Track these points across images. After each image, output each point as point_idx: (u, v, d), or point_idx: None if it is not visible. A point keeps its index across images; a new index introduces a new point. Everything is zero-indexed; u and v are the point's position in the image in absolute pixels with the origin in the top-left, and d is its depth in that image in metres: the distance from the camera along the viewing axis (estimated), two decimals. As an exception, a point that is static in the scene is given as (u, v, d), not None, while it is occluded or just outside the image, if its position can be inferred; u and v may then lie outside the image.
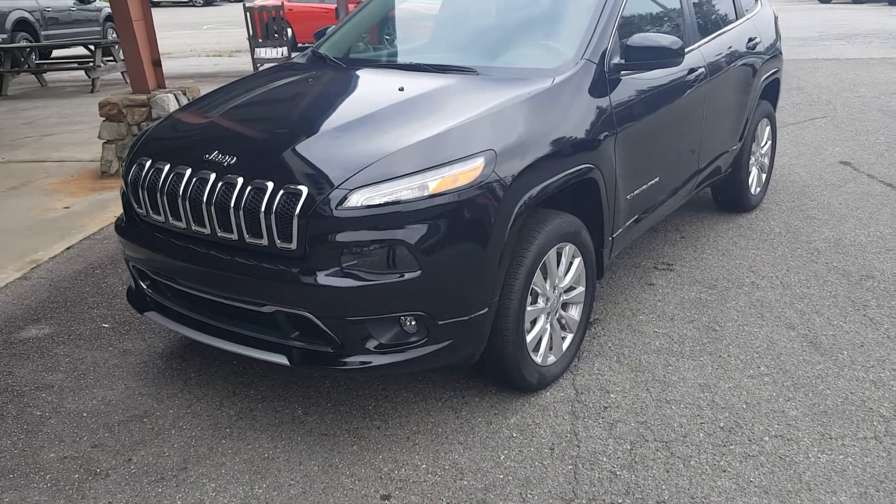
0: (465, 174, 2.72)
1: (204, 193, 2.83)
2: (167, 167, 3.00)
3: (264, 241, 2.73)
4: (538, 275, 3.10)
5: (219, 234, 2.84)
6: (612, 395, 3.27)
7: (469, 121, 2.94)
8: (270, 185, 2.71)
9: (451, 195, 2.68)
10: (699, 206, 5.52)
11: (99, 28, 18.15)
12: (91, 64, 12.84)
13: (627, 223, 3.76)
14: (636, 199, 3.76)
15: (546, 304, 3.23)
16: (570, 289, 3.40)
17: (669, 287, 4.27)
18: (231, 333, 2.98)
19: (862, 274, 4.36)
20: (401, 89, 3.32)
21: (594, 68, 3.40)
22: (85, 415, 3.23)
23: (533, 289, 3.10)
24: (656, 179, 3.92)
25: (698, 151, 4.37)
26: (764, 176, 5.55)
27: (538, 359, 3.24)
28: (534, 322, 3.20)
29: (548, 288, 3.21)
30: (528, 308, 3.09)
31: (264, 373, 3.47)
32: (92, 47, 13.23)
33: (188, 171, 2.91)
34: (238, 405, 3.25)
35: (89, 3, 18.56)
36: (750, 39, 4.84)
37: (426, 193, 2.66)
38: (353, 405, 3.23)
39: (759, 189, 5.46)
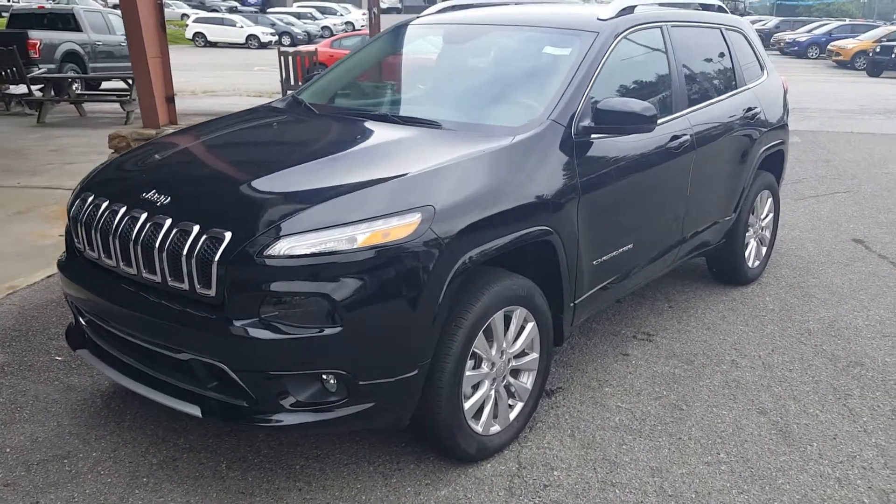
0: (397, 229, 2.61)
1: (133, 232, 2.76)
2: (105, 203, 2.95)
3: (185, 286, 2.64)
4: (481, 338, 2.95)
5: (144, 276, 2.76)
6: (555, 473, 3.08)
7: (413, 175, 2.83)
8: (196, 227, 2.63)
9: (380, 250, 2.57)
10: (693, 277, 5.32)
11: (147, 63, 18.64)
12: (127, 97, 13.12)
13: (593, 290, 3.59)
14: (604, 266, 3.60)
15: (491, 370, 3.07)
16: (522, 355, 3.24)
17: (644, 359, 4.07)
18: (152, 379, 2.87)
19: (851, 360, 4.11)
20: (357, 139, 3.25)
21: (560, 129, 3.29)
22: (8, 451, 3.13)
23: (475, 352, 2.95)
24: (629, 247, 3.75)
25: (682, 220, 4.20)
26: (764, 249, 5.34)
27: (479, 427, 3.07)
28: (476, 387, 3.05)
29: (493, 353, 3.05)
30: (468, 373, 2.94)
31: (200, 422, 3.34)
32: (130, 81, 13.54)
33: (122, 209, 2.85)
34: (163, 453, 3.13)
35: (140, 38, 19.16)
36: (748, 109, 4.68)
37: (353, 247, 2.55)
38: (280, 463, 3.09)
39: (757, 262, 5.24)
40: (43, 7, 19.22)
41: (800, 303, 4.91)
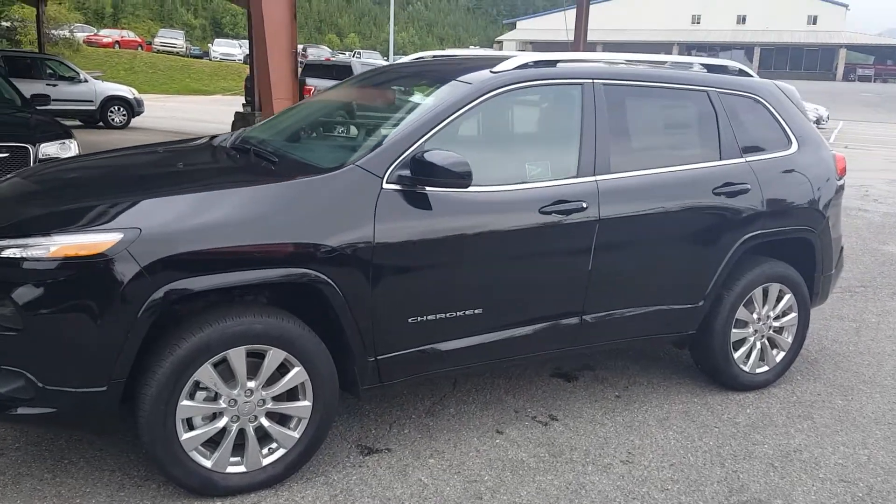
0: (90, 246, 2.76)
1: None
2: None
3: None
4: (211, 373, 2.96)
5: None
6: (270, 526, 2.95)
7: (142, 198, 3.01)
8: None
9: (67, 264, 2.74)
10: (687, 372, 4.62)
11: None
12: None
13: (411, 350, 3.36)
14: (428, 327, 3.35)
15: (233, 407, 3.04)
16: (290, 399, 3.16)
17: (511, 441, 3.67)
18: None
19: (756, 497, 3.33)
20: (180, 165, 3.45)
21: (366, 176, 3.18)
22: None
23: (204, 385, 2.97)
24: (476, 311, 3.45)
25: (583, 295, 3.71)
26: (780, 354, 4.47)
27: (208, 462, 3.05)
28: (212, 420, 3.04)
29: (235, 391, 3.03)
30: (187, 402, 2.95)
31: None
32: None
33: None
34: (-14, 425, 3.54)
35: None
36: (726, 184, 4.00)
37: (41, 256, 2.74)
38: (58, 455, 3.33)
39: (764, 368, 4.41)
40: (329, 59, 21.98)
41: (785, 422, 4.05)
